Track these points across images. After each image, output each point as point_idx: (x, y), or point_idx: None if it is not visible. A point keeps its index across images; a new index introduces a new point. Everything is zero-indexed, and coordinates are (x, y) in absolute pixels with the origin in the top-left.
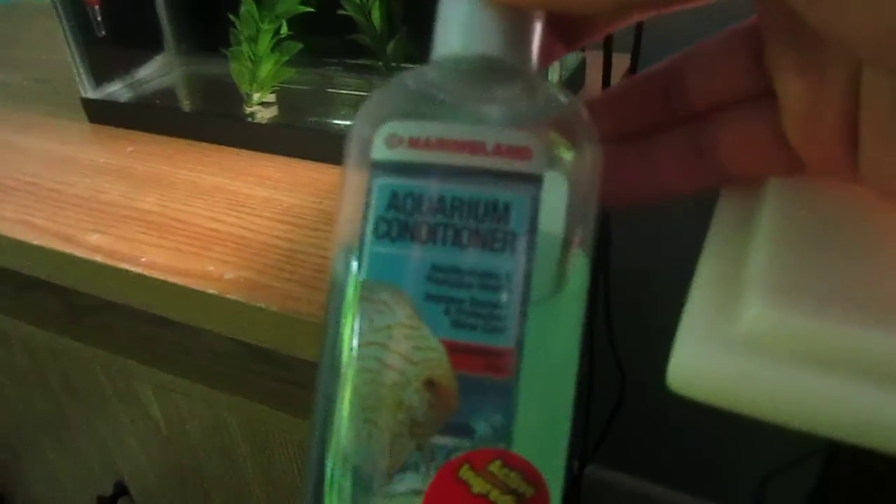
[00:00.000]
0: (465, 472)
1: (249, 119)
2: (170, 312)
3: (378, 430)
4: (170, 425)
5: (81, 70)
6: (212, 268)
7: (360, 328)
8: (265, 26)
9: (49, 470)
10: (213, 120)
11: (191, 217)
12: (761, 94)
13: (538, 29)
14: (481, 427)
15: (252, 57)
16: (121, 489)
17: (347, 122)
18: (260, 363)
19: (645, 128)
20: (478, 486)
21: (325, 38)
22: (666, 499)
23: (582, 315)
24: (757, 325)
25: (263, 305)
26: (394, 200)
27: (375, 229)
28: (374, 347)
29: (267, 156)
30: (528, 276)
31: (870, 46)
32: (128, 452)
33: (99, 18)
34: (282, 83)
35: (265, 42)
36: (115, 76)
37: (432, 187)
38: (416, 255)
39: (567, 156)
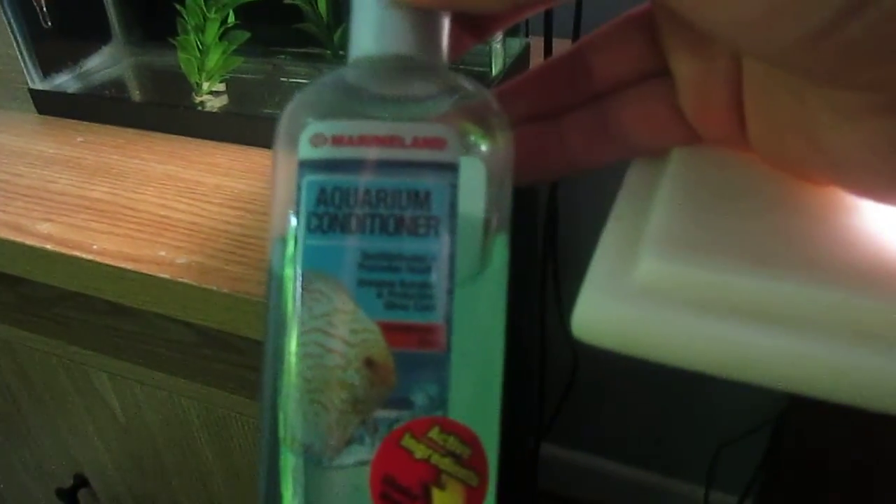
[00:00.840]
0: (407, 440)
1: (199, 108)
2: (122, 298)
3: (324, 410)
4: (127, 414)
5: (28, 61)
6: (163, 253)
7: (301, 317)
8: (212, 15)
9: (7, 464)
10: (162, 109)
11: (142, 205)
12: (659, 72)
13: (445, 26)
14: (419, 398)
15: (200, 46)
16: (81, 481)
17: None
18: (214, 349)
19: (555, 109)
20: (419, 451)
21: (272, 27)
22: (621, 474)
23: (505, 289)
24: (650, 276)
25: (215, 288)
26: (322, 195)
27: (307, 224)
28: (315, 334)
29: (217, 144)
30: (452, 256)
31: (731, 37)
32: (86, 443)
33: (44, 9)
34: (231, 72)
35: (212, 31)
36: (63, 67)
37: (357, 181)
38: (347, 245)
39: (481, 142)
